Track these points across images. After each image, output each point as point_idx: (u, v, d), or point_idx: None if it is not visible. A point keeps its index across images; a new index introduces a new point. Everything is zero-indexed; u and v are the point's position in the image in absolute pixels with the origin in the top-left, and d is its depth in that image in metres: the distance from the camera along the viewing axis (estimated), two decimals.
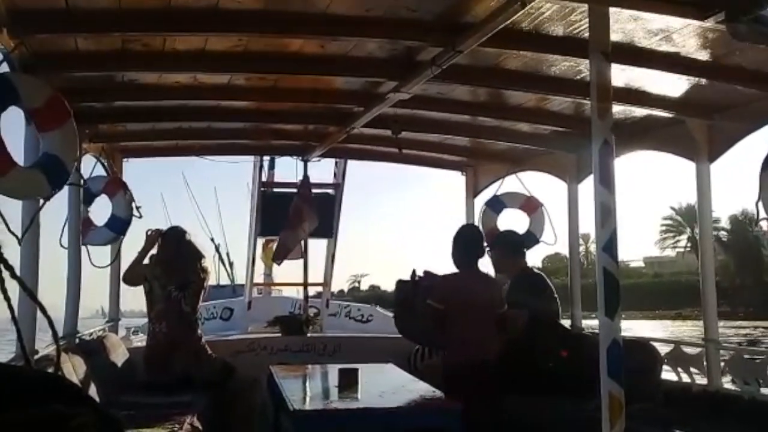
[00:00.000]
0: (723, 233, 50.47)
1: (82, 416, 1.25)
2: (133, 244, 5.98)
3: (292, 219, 6.98)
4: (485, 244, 5.25)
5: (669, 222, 61.57)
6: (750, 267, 49.28)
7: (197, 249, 5.97)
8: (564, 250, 6.79)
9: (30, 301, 2.86)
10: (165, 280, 5.71)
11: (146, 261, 5.88)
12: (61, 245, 5.15)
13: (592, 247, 30.57)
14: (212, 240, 18.39)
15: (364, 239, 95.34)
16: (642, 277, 55.85)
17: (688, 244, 58.96)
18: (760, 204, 4.00)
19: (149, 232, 5.93)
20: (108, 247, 6.01)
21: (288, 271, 7.86)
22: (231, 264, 18.55)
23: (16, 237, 3.57)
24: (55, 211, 3.94)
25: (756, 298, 44.22)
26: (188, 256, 5.85)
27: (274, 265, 11.64)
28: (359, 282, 71.45)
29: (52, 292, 5.22)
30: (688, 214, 58.47)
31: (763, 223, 4.12)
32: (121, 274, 6.08)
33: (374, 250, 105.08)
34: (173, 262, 5.78)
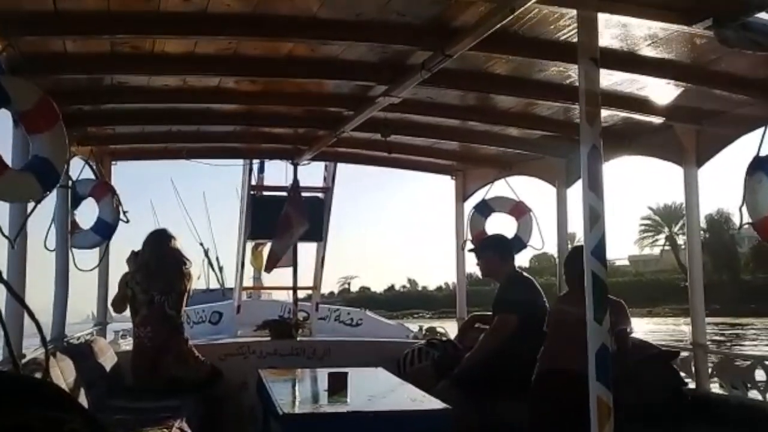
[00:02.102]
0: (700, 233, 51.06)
1: (72, 422, 1.25)
2: (120, 248, 5.95)
3: (281, 227, 6.98)
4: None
5: (648, 222, 62.51)
6: (726, 266, 49.95)
7: (181, 254, 5.93)
8: (551, 250, 6.84)
9: (17, 304, 2.86)
10: (147, 284, 5.66)
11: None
12: (46, 247, 5.12)
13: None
14: (201, 244, 18.36)
15: (354, 242, 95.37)
16: (625, 276, 56.27)
17: (667, 243, 59.79)
18: (744, 208, 4.03)
19: (129, 257, 5.88)
20: (96, 251, 5.99)
21: (278, 274, 7.86)
22: (221, 268, 18.52)
23: (9, 240, 3.57)
24: (39, 213, 3.93)
25: (731, 296, 44.73)
26: (171, 261, 5.81)
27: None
28: (349, 284, 71.60)
29: (40, 295, 5.20)
30: (665, 214, 59.49)
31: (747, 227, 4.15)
32: (109, 278, 6.06)
33: (364, 253, 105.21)
34: (155, 267, 5.74)
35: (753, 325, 36.71)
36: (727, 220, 50.40)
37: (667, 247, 60.31)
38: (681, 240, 57.51)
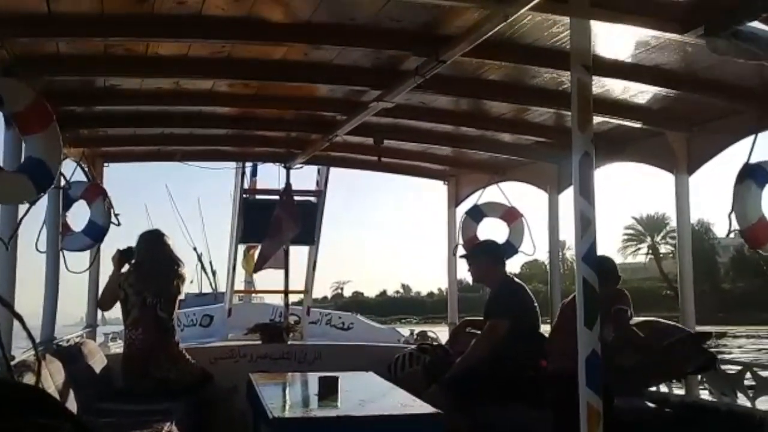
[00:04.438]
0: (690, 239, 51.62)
1: (63, 428, 1.26)
2: (112, 251, 5.92)
3: (272, 229, 6.98)
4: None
5: (631, 231, 63.40)
6: (706, 274, 50.37)
7: (174, 255, 5.90)
8: (542, 256, 6.87)
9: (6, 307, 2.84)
10: (140, 286, 5.63)
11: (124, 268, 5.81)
12: (37, 249, 5.10)
13: (568, 254, 30.91)
14: (195, 249, 18.39)
15: (350, 245, 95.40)
16: None
17: (649, 252, 60.49)
18: (733, 215, 4.06)
19: (114, 256, 5.85)
20: (87, 253, 5.96)
21: (269, 278, 7.86)
22: (214, 272, 18.54)
23: (3, 242, 3.56)
24: (30, 215, 3.91)
25: (710, 305, 44.99)
26: (164, 262, 5.79)
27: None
28: (342, 289, 71.72)
29: (31, 297, 5.18)
30: (648, 224, 60.32)
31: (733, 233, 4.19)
32: (100, 281, 6.03)
33: (359, 257, 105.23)
34: (149, 268, 5.72)
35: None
36: (708, 230, 50.87)
37: (650, 256, 60.90)
38: (663, 249, 58.21)
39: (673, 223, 5.28)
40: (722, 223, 4.12)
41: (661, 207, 60.45)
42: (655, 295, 40.68)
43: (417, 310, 54.50)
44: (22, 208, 3.86)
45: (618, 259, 6.41)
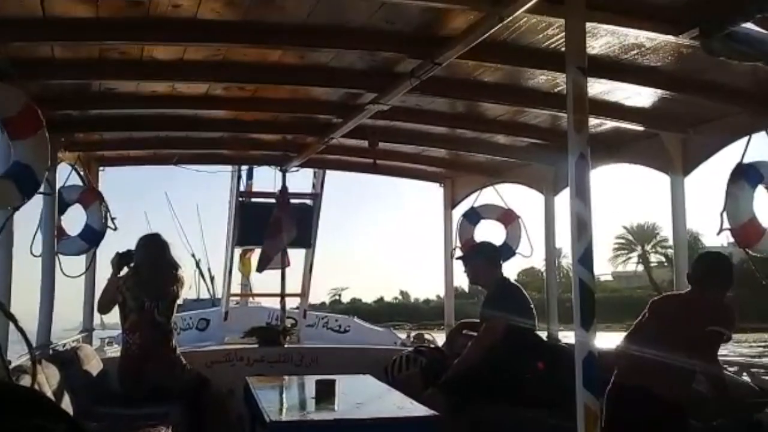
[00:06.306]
0: (671, 251, 51.40)
1: (57, 430, 1.26)
2: (108, 255, 5.91)
3: (273, 229, 6.98)
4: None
5: (622, 240, 63.93)
6: None
7: (173, 259, 5.89)
8: (538, 264, 6.88)
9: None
10: (138, 290, 5.62)
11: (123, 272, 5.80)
12: (32, 253, 5.09)
13: (564, 262, 30.94)
14: (193, 255, 18.37)
15: (344, 252, 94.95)
16: (604, 292, 56.63)
17: (640, 261, 61.02)
18: (725, 214, 4.07)
19: (113, 259, 5.84)
20: (83, 257, 5.95)
21: (266, 281, 7.84)
22: (212, 278, 18.51)
23: None
24: (26, 218, 3.92)
25: None
26: (163, 266, 5.78)
27: (252, 276, 11.62)
28: (340, 295, 71.38)
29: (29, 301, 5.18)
30: (639, 234, 60.95)
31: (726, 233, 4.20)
32: (96, 285, 6.02)
33: (354, 264, 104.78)
34: (147, 272, 5.70)
35: None
36: (697, 240, 51.03)
37: (640, 267, 61.25)
38: (653, 258, 58.74)
39: (663, 233, 5.32)
40: (711, 234, 4.16)
41: (651, 217, 60.87)
42: (646, 302, 40.83)
43: (413, 316, 54.47)
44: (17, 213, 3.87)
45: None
